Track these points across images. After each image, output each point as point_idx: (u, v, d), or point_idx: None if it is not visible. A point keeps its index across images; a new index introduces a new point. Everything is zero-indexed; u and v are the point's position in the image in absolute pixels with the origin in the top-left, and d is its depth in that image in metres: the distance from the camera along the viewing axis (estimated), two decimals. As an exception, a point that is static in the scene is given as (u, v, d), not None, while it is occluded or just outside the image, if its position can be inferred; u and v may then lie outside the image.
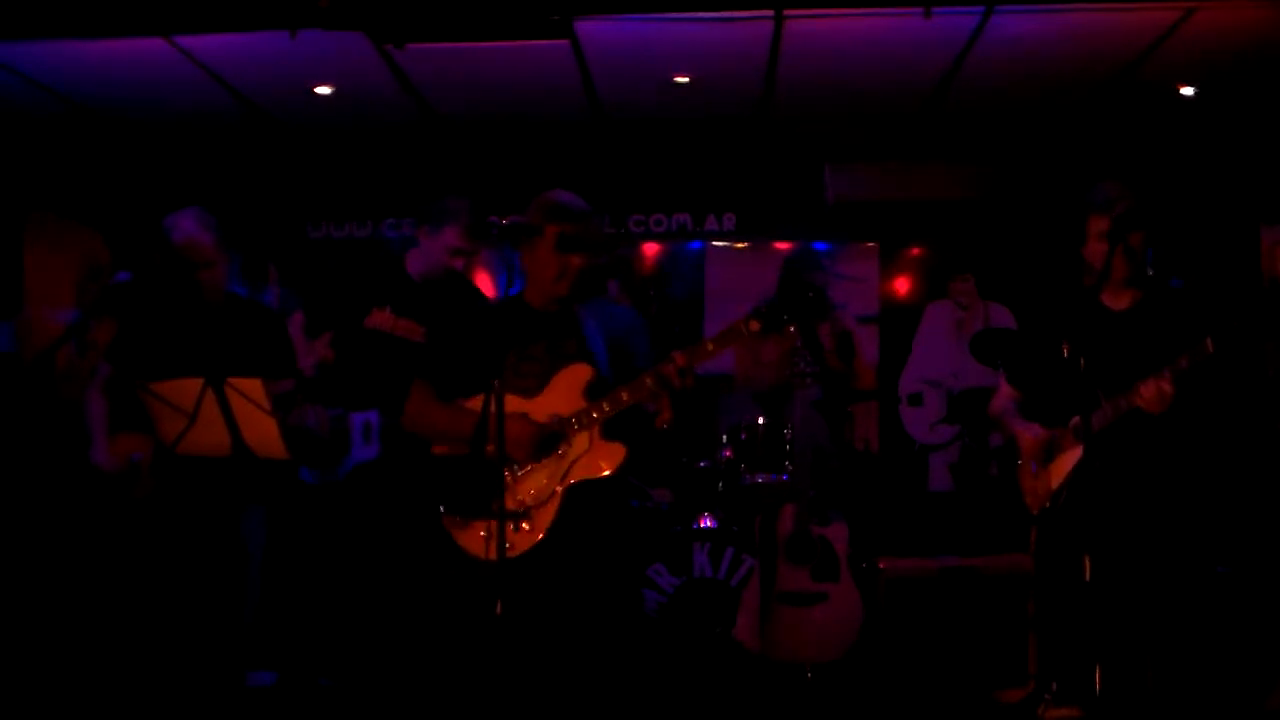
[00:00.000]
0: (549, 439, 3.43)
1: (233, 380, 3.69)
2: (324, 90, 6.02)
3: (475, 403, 3.47)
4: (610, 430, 3.45)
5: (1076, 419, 3.60)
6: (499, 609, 3.07)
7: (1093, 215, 3.67)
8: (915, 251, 7.48)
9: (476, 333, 3.54)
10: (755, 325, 3.32)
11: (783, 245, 7.46)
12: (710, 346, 3.36)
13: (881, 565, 5.38)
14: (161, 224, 4.30)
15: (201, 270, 4.27)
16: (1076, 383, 3.46)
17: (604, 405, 3.40)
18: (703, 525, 5.47)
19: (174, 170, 7.09)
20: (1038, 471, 3.81)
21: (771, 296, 3.41)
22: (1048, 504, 3.78)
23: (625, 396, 3.38)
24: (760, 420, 5.68)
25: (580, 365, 3.50)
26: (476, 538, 3.40)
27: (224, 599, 4.20)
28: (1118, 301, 3.76)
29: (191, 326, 4.30)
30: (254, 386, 3.68)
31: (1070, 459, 3.69)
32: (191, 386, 3.71)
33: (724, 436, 5.73)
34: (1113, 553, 3.56)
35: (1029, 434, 3.85)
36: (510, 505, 3.36)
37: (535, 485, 3.43)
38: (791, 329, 4.94)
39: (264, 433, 3.75)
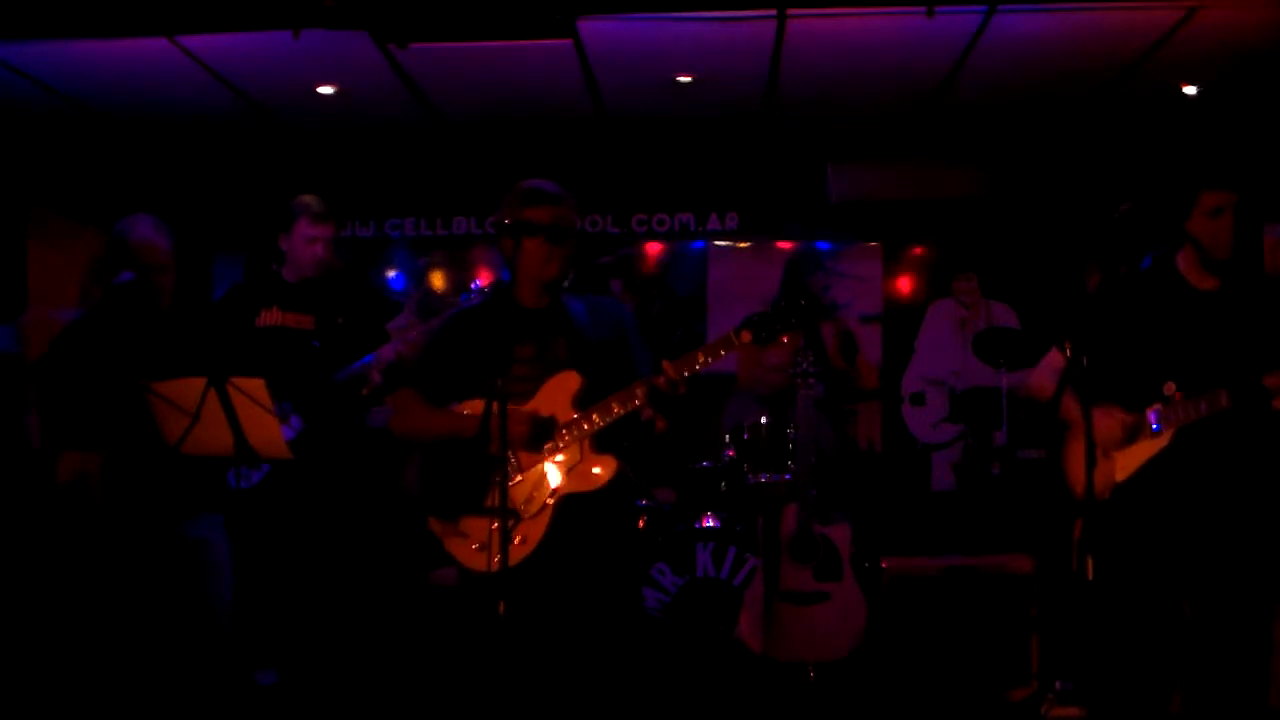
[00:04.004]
0: (543, 427, 3.36)
1: (236, 380, 3.70)
2: (327, 90, 6.02)
3: (466, 407, 3.45)
4: (605, 439, 3.40)
5: (1156, 406, 3.46)
6: (496, 615, 3.05)
7: (1204, 191, 3.55)
8: (918, 250, 7.48)
9: (468, 337, 3.50)
10: (746, 336, 3.28)
11: (785, 245, 7.47)
12: (701, 357, 3.28)
13: (884, 565, 5.38)
14: (115, 227, 4.34)
15: (156, 274, 4.31)
16: (1158, 366, 3.33)
17: (594, 417, 3.35)
18: (706, 525, 5.46)
19: (177, 170, 7.11)
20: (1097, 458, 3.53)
21: (764, 308, 3.34)
22: (1107, 495, 3.55)
23: (616, 408, 3.33)
24: (763, 420, 5.68)
25: (569, 374, 3.42)
26: (468, 548, 3.36)
27: (184, 600, 4.21)
28: (1204, 282, 3.62)
29: (140, 331, 4.33)
30: (257, 387, 3.69)
31: (1145, 450, 3.52)
32: (195, 386, 3.72)
33: (727, 436, 5.73)
34: (1175, 553, 3.45)
35: (1105, 416, 3.55)
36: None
37: (526, 495, 3.37)
38: (793, 334, 4.95)
39: (267, 433, 3.76)
